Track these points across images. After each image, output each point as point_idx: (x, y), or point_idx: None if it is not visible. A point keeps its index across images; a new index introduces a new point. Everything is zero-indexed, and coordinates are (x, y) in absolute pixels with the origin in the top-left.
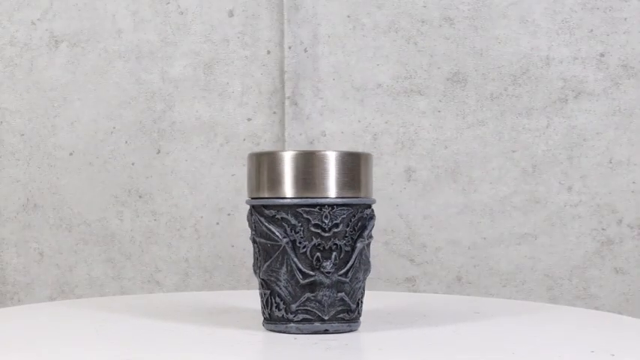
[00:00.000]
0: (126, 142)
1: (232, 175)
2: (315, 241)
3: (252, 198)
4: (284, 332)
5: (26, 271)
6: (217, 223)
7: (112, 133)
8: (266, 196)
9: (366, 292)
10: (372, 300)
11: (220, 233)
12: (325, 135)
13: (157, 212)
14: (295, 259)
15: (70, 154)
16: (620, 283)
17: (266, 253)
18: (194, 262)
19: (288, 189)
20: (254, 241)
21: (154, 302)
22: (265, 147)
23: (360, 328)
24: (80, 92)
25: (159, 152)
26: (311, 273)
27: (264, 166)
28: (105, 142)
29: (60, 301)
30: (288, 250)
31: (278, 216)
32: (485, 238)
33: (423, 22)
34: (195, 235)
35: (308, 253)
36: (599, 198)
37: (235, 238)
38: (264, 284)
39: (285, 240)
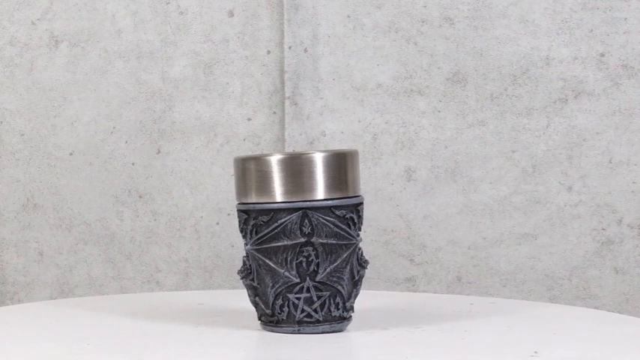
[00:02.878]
0: (126, 142)
1: (232, 175)
2: (359, 237)
3: (308, 200)
4: (339, 331)
5: (26, 271)
6: (217, 223)
7: (112, 133)
8: (334, 196)
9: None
10: (372, 300)
11: (220, 233)
12: (325, 135)
13: (157, 212)
14: (355, 256)
15: (70, 154)
16: (620, 283)
17: (331, 254)
18: (194, 262)
19: (351, 187)
20: (305, 245)
21: (154, 302)
22: (265, 147)
23: (359, 327)
24: (80, 92)
25: (159, 152)
26: (359, 268)
27: (323, 167)
28: (105, 142)
29: (59, 299)
30: (356, 248)
31: (347, 215)
32: (485, 238)
33: (423, 22)
34: (195, 235)
35: (357, 249)
36: (599, 198)
37: (235, 238)
38: (322, 287)
39: (359, 238)
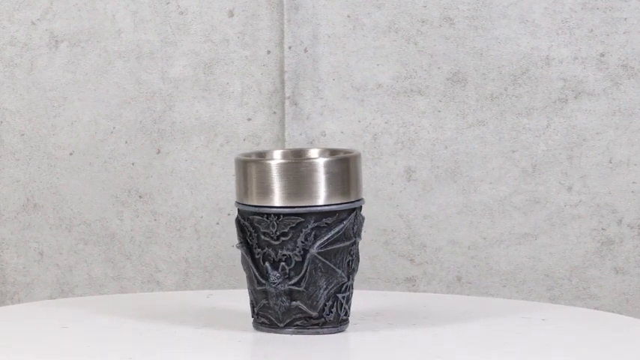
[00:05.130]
0: (126, 142)
1: (232, 175)
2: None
3: (355, 201)
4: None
5: (26, 271)
6: (217, 223)
7: (112, 133)
8: (361, 196)
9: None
10: (372, 300)
11: (220, 233)
12: (325, 135)
13: (157, 212)
14: None
15: (70, 154)
16: (620, 283)
17: (357, 253)
18: (194, 262)
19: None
20: (352, 245)
21: (154, 302)
22: (265, 147)
23: (355, 328)
24: (80, 92)
25: (159, 152)
26: None
27: (358, 167)
28: (105, 142)
29: (59, 299)
30: None
31: None
32: (485, 238)
33: (423, 22)
34: (195, 235)
35: None
36: (599, 198)
37: (236, 238)
38: (353, 284)
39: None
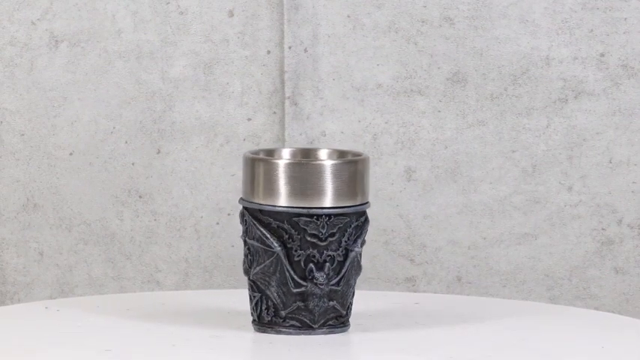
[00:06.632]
0: (126, 142)
1: (232, 175)
2: None
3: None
4: None
5: (26, 271)
6: (217, 223)
7: (112, 133)
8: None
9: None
10: (371, 300)
11: (220, 233)
12: (325, 135)
13: (157, 212)
14: None
15: (70, 154)
16: (620, 283)
17: None
18: (194, 262)
19: None
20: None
21: (154, 302)
22: (265, 147)
23: (355, 328)
24: (80, 92)
25: (159, 152)
26: None
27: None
28: (105, 142)
29: (59, 299)
30: None
31: None
32: (485, 238)
33: (423, 22)
34: (195, 235)
35: None
36: (599, 198)
37: (235, 238)
38: None
39: None
